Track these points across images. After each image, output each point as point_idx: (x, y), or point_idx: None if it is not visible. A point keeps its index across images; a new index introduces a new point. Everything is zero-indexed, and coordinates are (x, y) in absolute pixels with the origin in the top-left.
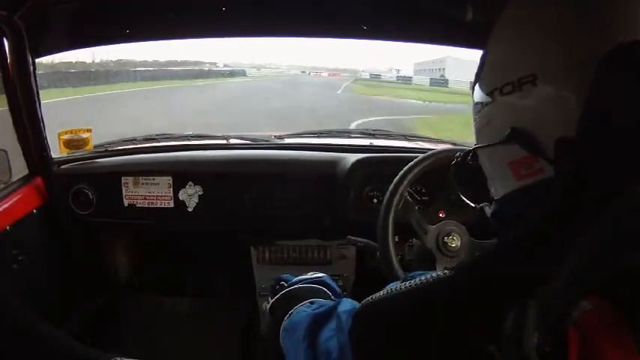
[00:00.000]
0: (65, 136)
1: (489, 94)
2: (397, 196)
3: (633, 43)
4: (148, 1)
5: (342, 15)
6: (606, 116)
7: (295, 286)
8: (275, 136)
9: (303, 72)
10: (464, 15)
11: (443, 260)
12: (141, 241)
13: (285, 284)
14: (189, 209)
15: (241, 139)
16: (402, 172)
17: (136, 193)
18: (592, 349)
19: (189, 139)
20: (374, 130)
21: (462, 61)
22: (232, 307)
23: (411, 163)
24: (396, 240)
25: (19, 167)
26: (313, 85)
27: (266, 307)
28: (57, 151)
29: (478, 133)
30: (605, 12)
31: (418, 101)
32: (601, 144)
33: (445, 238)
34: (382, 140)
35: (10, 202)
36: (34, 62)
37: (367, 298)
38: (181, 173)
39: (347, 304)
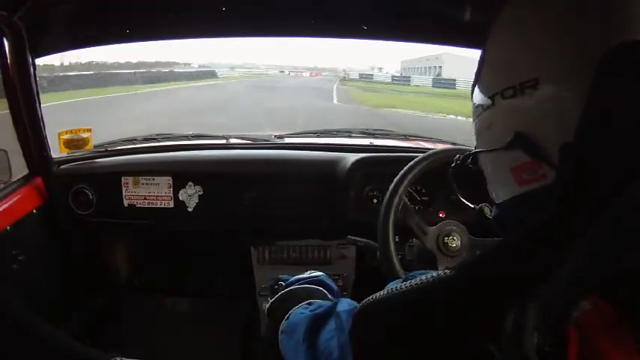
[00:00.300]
0: (65, 136)
1: (490, 97)
2: (397, 196)
3: (633, 43)
4: (148, 1)
5: (342, 15)
6: (606, 116)
7: (293, 287)
8: (275, 136)
9: (281, 72)
10: (463, 15)
11: (444, 260)
12: (141, 241)
13: (284, 284)
14: (189, 209)
15: (241, 138)
16: (402, 171)
17: (136, 193)
18: (592, 349)
19: (189, 139)
20: (374, 130)
21: (460, 58)
22: (232, 307)
23: (411, 162)
24: (397, 240)
25: (19, 167)
26: (296, 90)
27: (265, 307)
28: (57, 151)
29: (478, 136)
30: (605, 12)
31: (461, 117)
32: (601, 144)
33: (445, 238)
34: (382, 140)
35: (10, 202)
36: (34, 62)
37: (367, 298)
38: (181, 173)
39: (345, 304)
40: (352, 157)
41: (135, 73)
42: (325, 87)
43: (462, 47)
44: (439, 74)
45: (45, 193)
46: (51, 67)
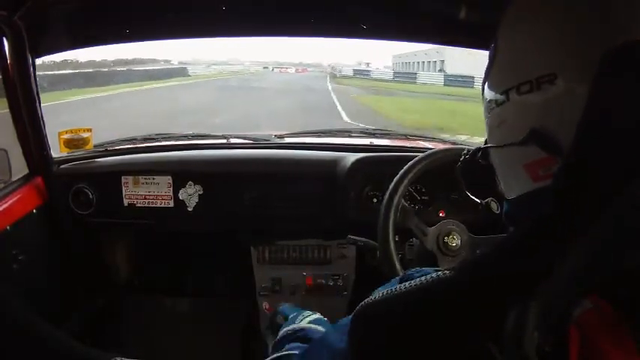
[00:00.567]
0: (65, 136)
1: (504, 92)
2: (397, 196)
3: (634, 43)
4: (147, 1)
5: (342, 15)
6: (606, 116)
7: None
8: (275, 136)
9: (265, 67)
10: (463, 15)
11: (444, 260)
12: (141, 241)
13: (282, 319)
14: (189, 209)
15: (241, 138)
16: (402, 171)
17: (136, 193)
18: (592, 349)
19: (189, 139)
20: (374, 130)
21: (465, 51)
22: (232, 307)
23: (411, 162)
24: (397, 240)
25: (19, 167)
26: (281, 92)
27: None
28: (57, 151)
29: (490, 132)
30: (612, 10)
31: None
32: (601, 143)
33: (445, 237)
34: (382, 139)
35: (10, 202)
36: (34, 62)
37: (367, 299)
38: (181, 173)
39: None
40: (352, 157)
41: (75, 74)
42: (318, 86)
43: (462, 47)
44: (442, 69)
45: (45, 192)
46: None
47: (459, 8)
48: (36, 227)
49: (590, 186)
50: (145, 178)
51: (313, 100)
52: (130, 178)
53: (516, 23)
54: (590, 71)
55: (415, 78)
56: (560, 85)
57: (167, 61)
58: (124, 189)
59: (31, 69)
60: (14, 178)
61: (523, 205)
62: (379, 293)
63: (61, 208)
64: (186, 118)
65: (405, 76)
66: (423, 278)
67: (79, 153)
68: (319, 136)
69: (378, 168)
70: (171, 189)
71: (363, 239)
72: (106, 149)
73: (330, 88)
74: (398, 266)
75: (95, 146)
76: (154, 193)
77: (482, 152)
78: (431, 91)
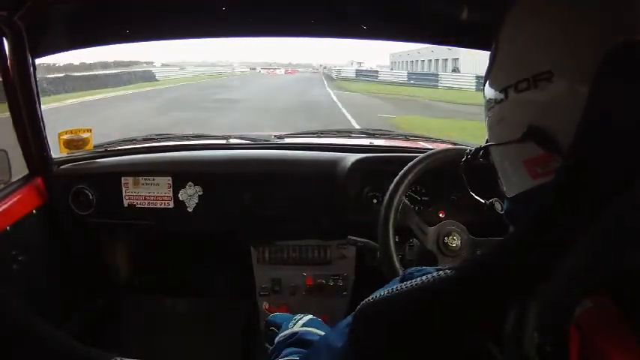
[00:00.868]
0: (65, 136)
1: (503, 90)
2: (397, 196)
3: (634, 43)
4: (147, 1)
5: (342, 15)
6: (606, 116)
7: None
8: (275, 136)
9: (252, 69)
10: (463, 15)
11: (444, 260)
12: (141, 241)
13: (277, 330)
14: (189, 209)
15: (241, 138)
16: (402, 172)
17: (136, 194)
18: (593, 349)
19: (188, 139)
20: (374, 130)
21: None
22: (232, 307)
23: (411, 163)
24: (397, 240)
25: (19, 167)
26: (263, 115)
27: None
28: (57, 151)
29: (490, 129)
30: (613, 10)
31: None
32: (601, 143)
33: (445, 238)
34: (382, 140)
35: (10, 202)
36: (34, 62)
37: (367, 298)
38: (181, 173)
39: (314, 335)
40: (352, 157)
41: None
42: (316, 93)
43: (462, 47)
44: (456, 69)
45: (45, 193)
46: None
47: (459, 8)
48: (36, 228)
49: (590, 186)
50: (145, 179)
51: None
52: (130, 179)
53: (518, 23)
54: (588, 70)
55: (437, 80)
56: (558, 83)
57: (149, 63)
58: (124, 190)
59: (31, 69)
60: (14, 179)
61: (522, 203)
62: (379, 293)
63: (61, 208)
64: None
65: (422, 78)
66: (424, 278)
67: (79, 154)
68: (319, 137)
69: (378, 168)
70: (171, 190)
71: (363, 240)
72: (106, 150)
73: (333, 96)
74: (398, 266)
75: (95, 147)
76: (154, 193)
77: (483, 151)
78: (474, 101)
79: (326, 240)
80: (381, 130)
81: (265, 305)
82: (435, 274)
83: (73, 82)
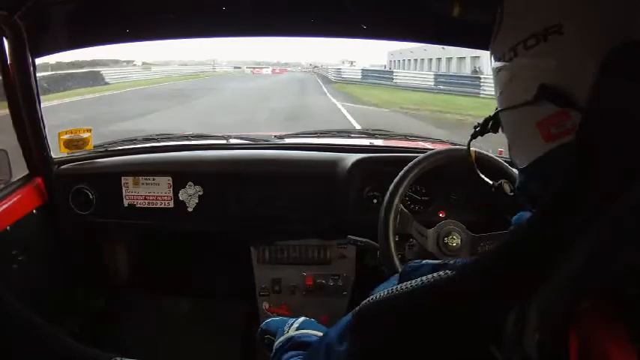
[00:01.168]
0: (65, 136)
1: (511, 49)
2: (398, 196)
3: (635, 43)
4: (148, 1)
5: (342, 15)
6: (607, 116)
7: None
8: (275, 136)
9: (237, 67)
10: (463, 15)
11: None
12: (141, 241)
13: (272, 338)
14: (189, 209)
15: (241, 139)
16: (402, 172)
17: (136, 193)
18: (592, 349)
19: (189, 139)
20: (374, 130)
21: None
22: (232, 308)
23: (411, 163)
24: (397, 239)
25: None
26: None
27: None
28: (57, 151)
29: (501, 95)
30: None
31: None
32: (601, 143)
33: (445, 238)
34: (382, 140)
35: (10, 202)
36: (34, 62)
37: (368, 299)
38: (181, 173)
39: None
40: (352, 158)
41: None
42: (312, 102)
43: (462, 47)
44: (477, 70)
45: (45, 193)
46: None
47: (459, 8)
48: (36, 227)
49: (590, 186)
50: (145, 179)
51: None
52: (130, 179)
53: None
54: (597, 23)
55: (479, 86)
56: (568, 34)
57: (129, 62)
58: (124, 189)
59: (31, 69)
60: (14, 179)
61: (535, 173)
62: (379, 293)
63: (61, 208)
64: None
65: (456, 82)
66: (424, 278)
67: (79, 153)
68: (319, 137)
69: (378, 168)
70: (171, 189)
71: (363, 239)
72: (106, 150)
73: (344, 111)
74: (398, 266)
75: (95, 147)
76: (154, 193)
77: (492, 121)
78: None
79: (326, 240)
80: (380, 130)
81: (265, 305)
82: (435, 274)
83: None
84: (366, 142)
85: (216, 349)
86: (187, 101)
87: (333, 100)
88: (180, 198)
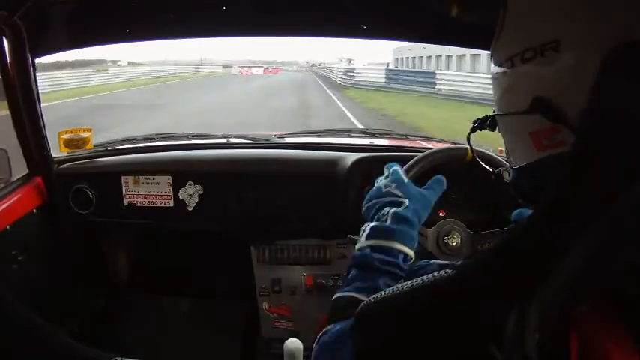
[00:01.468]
0: (65, 136)
1: (509, 59)
2: None
3: (635, 44)
4: (148, 1)
5: (342, 15)
6: (607, 116)
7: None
8: (275, 135)
9: (227, 67)
10: (463, 15)
11: (446, 260)
12: (141, 241)
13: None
14: (189, 209)
15: (241, 138)
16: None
17: (136, 193)
18: (592, 349)
19: (189, 139)
20: (374, 130)
21: None
22: (232, 308)
23: (411, 162)
24: None
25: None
26: None
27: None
28: (57, 151)
29: (497, 101)
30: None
31: None
32: (602, 144)
33: (445, 237)
34: (382, 139)
35: (10, 202)
36: (34, 62)
37: (369, 298)
38: (181, 173)
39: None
40: (352, 157)
41: None
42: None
43: (462, 47)
44: None
45: (45, 192)
46: None
47: (459, 8)
48: (36, 227)
49: (589, 186)
50: (145, 178)
51: None
52: (130, 178)
53: None
54: (596, 41)
55: None
56: (565, 53)
57: (115, 62)
58: (124, 189)
59: (31, 69)
60: (14, 178)
61: (528, 174)
62: (380, 292)
63: (61, 208)
64: None
65: None
66: (424, 277)
67: (79, 153)
68: (319, 136)
69: (378, 168)
70: (171, 189)
71: None
72: (106, 149)
73: None
74: None
75: (95, 146)
76: (154, 193)
77: (490, 121)
78: None
79: (326, 239)
80: (381, 129)
81: (265, 305)
82: (436, 273)
83: None
84: (366, 141)
85: (216, 349)
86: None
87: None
88: (180, 197)
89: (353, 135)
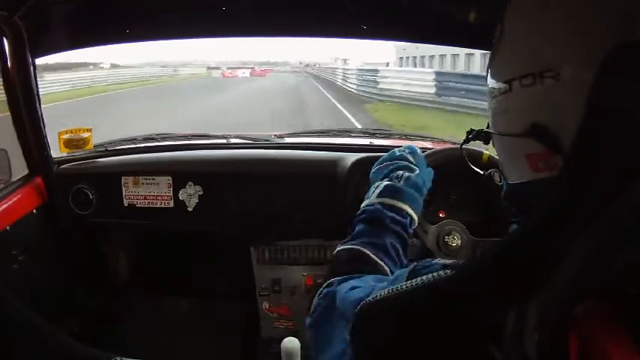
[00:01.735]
0: (65, 136)
1: (507, 82)
2: None
3: (634, 44)
4: (148, 1)
5: (342, 15)
6: (607, 117)
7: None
8: (275, 135)
9: (214, 68)
10: (463, 15)
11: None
12: (141, 241)
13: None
14: (189, 209)
15: (241, 138)
16: None
17: (136, 193)
18: (592, 350)
19: (188, 139)
20: (374, 130)
21: None
22: (232, 308)
23: (430, 151)
24: None
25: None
26: None
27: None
28: (57, 151)
29: (493, 118)
30: (626, 5)
31: None
32: (602, 144)
33: (445, 237)
34: (382, 139)
35: (10, 202)
36: (34, 62)
37: (368, 297)
38: (181, 173)
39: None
40: (352, 157)
41: None
42: None
43: (462, 47)
44: None
45: (45, 192)
46: None
47: (459, 8)
48: (36, 227)
49: (589, 187)
50: (145, 179)
51: None
52: (130, 179)
53: (526, 14)
54: (596, 57)
55: None
56: (565, 80)
57: (96, 65)
58: (124, 189)
59: (31, 69)
60: (14, 179)
61: (521, 190)
62: (380, 292)
63: (61, 208)
64: None
65: None
66: (424, 277)
67: (79, 153)
68: (319, 136)
69: None
70: (171, 189)
71: None
72: (106, 149)
73: None
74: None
75: (95, 146)
76: (154, 193)
77: (484, 135)
78: None
79: (326, 240)
80: (381, 129)
81: (265, 305)
82: (435, 273)
83: None
84: (366, 141)
85: (216, 349)
86: None
87: None
88: (180, 198)
89: (353, 135)
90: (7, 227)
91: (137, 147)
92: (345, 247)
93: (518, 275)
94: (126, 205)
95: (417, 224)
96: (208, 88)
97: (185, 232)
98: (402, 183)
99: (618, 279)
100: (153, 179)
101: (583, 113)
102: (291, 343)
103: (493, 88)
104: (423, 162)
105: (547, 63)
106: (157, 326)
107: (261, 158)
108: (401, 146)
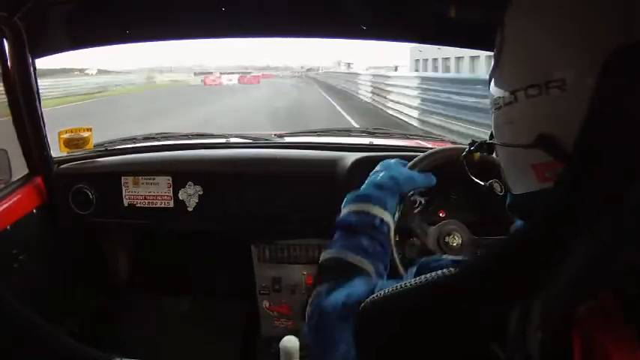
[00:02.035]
0: (65, 135)
1: (512, 93)
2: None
3: (635, 45)
4: (148, 1)
5: (342, 15)
6: (608, 118)
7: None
8: (275, 135)
9: (203, 73)
10: (463, 15)
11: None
12: (141, 241)
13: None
14: (189, 209)
15: (241, 137)
16: None
17: (136, 193)
18: (595, 349)
19: (189, 139)
20: (374, 129)
21: None
22: (232, 307)
23: (411, 162)
24: (397, 239)
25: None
26: None
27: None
28: (57, 151)
29: (497, 129)
30: (630, 10)
31: None
32: (603, 145)
33: (446, 237)
34: (382, 139)
35: (10, 202)
36: (34, 62)
37: (371, 296)
38: (181, 173)
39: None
40: (352, 157)
41: None
42: None
43: (462, 47)
44: None
45: (45, 192)
46: None
47: (459, 8)
48: (36, 227)
49: (592, 187)
50: (145, 178)
51: None
52: (130, 178)
53: (526, 15)
54: (598, 65)
55: None
56: (572, 90)
57: (82, 71)
58: (123, 189)
59: (31, 69)
60: (14, 178)
61: (527, 200)
62: (384, 290)
63: (61, 208)
64: None
65: None
66: (428, 275)
67: (79, 153)
68: (319, 136)
69: None
70: (171, 189)
71: None
72: (106, 149)
73: None
74: (399, 266)
75: (95, 146)
76: (154, 193)
77: (487, 146)
78: None
79: (326, 239)
80: (381, 129)
81: (265, 304)
82: (439, 271)
83: None
84: (366, 141)
85: (216, 349)
86: None
87: None
88: (180, 197)
89: (353, 134)
90: (7, 227)
91: (137, 147)
92: (327, 256)
93: (520, 275)
94: (126, 204)
95: (391, 218)
96: (179, 101)
97: (185, 232)
98: (362, 187)
99: (618, 279)
100: (153, 179)
101: (586, 114)
102: (290, 342)
103: (498, 98)
104: (395, 165)
105: (552, 71)
106: (157, 326)
107: (261, 158)
108: (401, 146)
